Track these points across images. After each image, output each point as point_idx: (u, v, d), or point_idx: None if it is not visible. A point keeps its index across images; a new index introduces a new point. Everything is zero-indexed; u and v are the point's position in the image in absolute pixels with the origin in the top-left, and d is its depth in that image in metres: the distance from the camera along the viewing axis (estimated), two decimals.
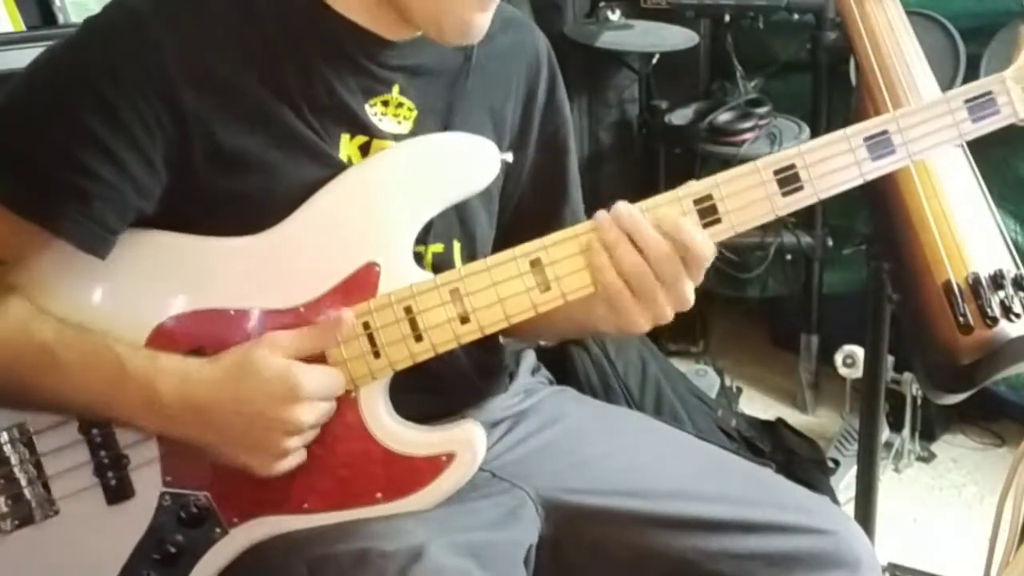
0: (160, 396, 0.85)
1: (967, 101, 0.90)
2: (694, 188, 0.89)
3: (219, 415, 0.86)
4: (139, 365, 0.86)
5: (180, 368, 0.87)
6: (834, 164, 0.89)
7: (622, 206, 0.88)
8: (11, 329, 0.86)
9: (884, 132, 0.90)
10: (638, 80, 2.62)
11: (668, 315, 0.89)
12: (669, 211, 0.88)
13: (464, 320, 0.90)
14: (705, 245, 0.87)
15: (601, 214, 0.88)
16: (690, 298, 0.89)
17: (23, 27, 1.74)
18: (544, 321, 0.96)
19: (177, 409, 0.86)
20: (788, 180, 0.89)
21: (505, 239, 1.04)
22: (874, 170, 0.90)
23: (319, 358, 0.90)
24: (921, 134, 0.90)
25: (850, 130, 0.90)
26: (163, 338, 0.90)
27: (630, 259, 0.86)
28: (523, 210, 1.11)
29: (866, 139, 0.89)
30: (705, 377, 2.23)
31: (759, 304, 2.68)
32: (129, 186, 0.86)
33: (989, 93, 0.91)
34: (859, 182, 0.90)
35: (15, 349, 0.86)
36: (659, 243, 0.86)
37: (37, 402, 0.89)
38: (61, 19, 1.78)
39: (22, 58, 1.58)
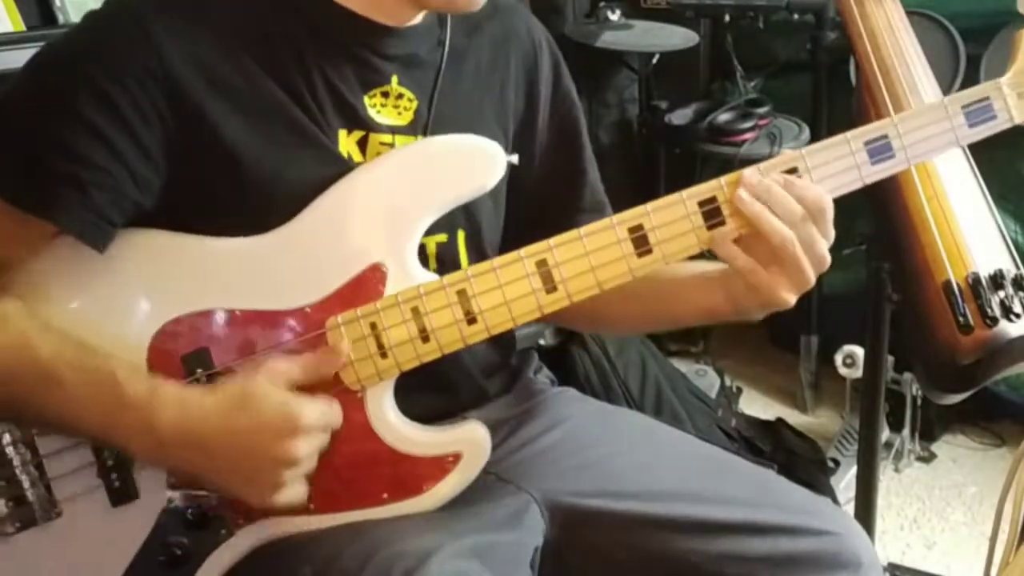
0: (158, 425, 0.83)
1: (964, 107, 0.92)
2: (698, 189, 0.89)
3: (216, 446, 0.84)
4: (139, 392, 0.83)
5: (179, 398, 0.84)
6: (835, 167, 0.90)
7: (749, 174, 0.88)
8: (11, 345, 0.84)
9: (884, 136, 0.91)
10: (638, 80, 2.62)
11: (812, 280, 0.89)
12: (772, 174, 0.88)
13: (471, 321, 0.90)
14: (820, 195, 0.87)
15: (737, 191, 0.88)
16: (827, 257, 0.89)
17: (23, 27, 1.73)
18: (661, 309, 1.00)
19: (174, 439, 0.83)
20: None
21: (525, 228, 1.04)
22: (874, 173, 0.91)
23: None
24: (919, 138, 0.91)
25: (850, 134, 0.91)
26: (167, 338, 0.89)
27: (777, 232, 0.86)
28: (539, 197, 1.11)
29: (866, 143, 0.90)
30: (705, 377, 2.23)
31: None
32: (127, 176, 0.86)
33: (986, 99, 0.92)
34: (859, 185, 0.91)
35: (15, 366, 0.84)
36: (794, 205, 0.86)
37: (35, 420, 0.88)
38: (61, 19, 1.78)
39: (22, 58, 1.57)
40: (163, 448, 0.84)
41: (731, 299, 0.95)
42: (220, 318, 0.90)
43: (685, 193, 0.90)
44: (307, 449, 0.85)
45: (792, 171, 0.89)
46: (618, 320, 1.14)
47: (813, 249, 0.88)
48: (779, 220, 0.87)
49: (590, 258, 0.89)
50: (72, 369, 0.84)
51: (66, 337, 0.86)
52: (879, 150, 0.90)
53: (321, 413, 0.86)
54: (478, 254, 1.04)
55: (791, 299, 0.90)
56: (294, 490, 0.87)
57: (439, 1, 0.93)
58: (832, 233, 0.90)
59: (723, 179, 0.89)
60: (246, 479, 0.85)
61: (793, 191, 0.87)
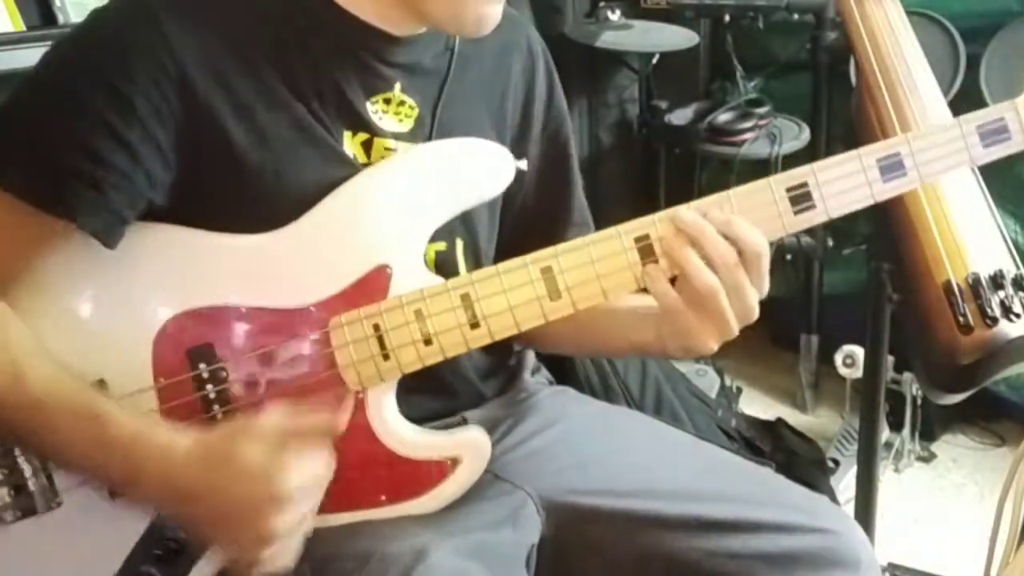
0: (142, 472, 0.82)
1: (979, 127, 0.90)
2: (703, 203, 0.88)
3: (199, 499, 0.81)
4: (123, 436, 0.81)
5: (164, 446, 0.82)
6: (846, 184, 0.89)
7: (683, 213, 0.86)
8: (3, 375, 0.83)
9: (896, 154, 0.89)
10: (638, 80, 2.63)
11: (735, 330, 0.87)
12: (715, 211, 0.86)
13: (474, 325, 0.89)
14: (758, 239, 0.85)
15: (664, 227, 0.86)
16: (755, 308, 0.87)
17: (23, 27, 1.74)
18: (593, 338, 0.99)
19: (158, 488, 0.82)
20: (800, 198, 0.89)
21: (513, 241, 1.04)
22: (885, 191, 0.89)
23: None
24: (933, 158, 0.90)
25: (863, 150, 0.89)
26: (172, 333, 0.89)
27: (702, 280, 0.84)
28: (529, 210, 1.11)
29: (878, 160, 0.89)
30: (705, 377, 2.23)
31: (759, 304, 2.67)
32: (142, 175, 0.86)
33: (1001, 120, 0.91)
34: (870, 202, 0.90)
35: (7, 397, 0.83)
36: (725, 249, 0.84)
37: (34, 450, 0.88)
38: (61, 19, 1.78)
39: (22, 58, 1.58)
40: (149, 495, 0.84)
41: (659, 338, 0.94)
42: (225, 314, 0.90)
43: (622, 228, 0.88)
44: (291, 518, 0.80)
45: (801, 186, 0.88)
46: (549, 341, 1.14)
47: (741, 297, 0.86)
48: (705, 267, 0.85)
49: (595, 266, 0.88)
50: (59, 409, 0.82)
51: (58, 369, 0.84)
52: (891, 168, 0.89)
53: (309, 476, 0.81)
54: (475, 263, 1.04)
55: (713, 347, 0.89)
56: (284, 554, 0.82)
57: (448, 25, 0.93)
58: (766, 284, 0.87)
59: (656, 216, 0.88)
60: (227, 537, 0.83)
61: (731, 231, 0.85)
